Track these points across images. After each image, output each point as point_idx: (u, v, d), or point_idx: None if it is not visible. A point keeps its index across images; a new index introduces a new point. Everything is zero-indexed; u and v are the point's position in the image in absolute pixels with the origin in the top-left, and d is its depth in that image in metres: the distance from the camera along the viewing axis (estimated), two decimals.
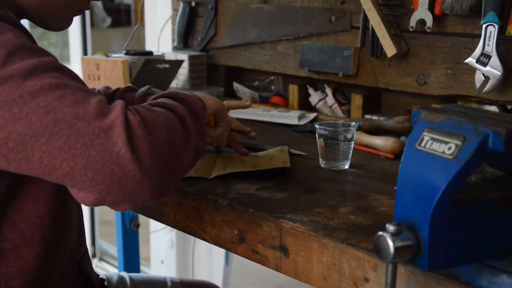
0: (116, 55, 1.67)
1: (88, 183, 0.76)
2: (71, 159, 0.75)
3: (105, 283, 1.18)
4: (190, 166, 0.87)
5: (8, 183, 0.87)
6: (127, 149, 0.76)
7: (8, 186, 0.87)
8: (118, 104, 0.81)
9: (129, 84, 1.24)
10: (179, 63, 1.71)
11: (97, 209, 2.97)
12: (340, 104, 1.60)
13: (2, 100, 0.75)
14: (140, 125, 0.79)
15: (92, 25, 3.18)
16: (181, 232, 1.21)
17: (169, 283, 1.31)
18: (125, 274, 1.31)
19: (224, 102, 1.23)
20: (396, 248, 0.65)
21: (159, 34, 2.09)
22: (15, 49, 0.78)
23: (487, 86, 1.22)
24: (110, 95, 1.19)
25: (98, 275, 1.17)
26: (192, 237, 2.32)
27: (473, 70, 1.24)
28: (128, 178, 0.76)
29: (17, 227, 0.89)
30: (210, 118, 1.09)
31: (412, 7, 1.34)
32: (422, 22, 1.33)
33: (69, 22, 1.00)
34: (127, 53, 1.67)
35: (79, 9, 0.99)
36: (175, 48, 1.90)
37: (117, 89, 1.20)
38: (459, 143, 0.65)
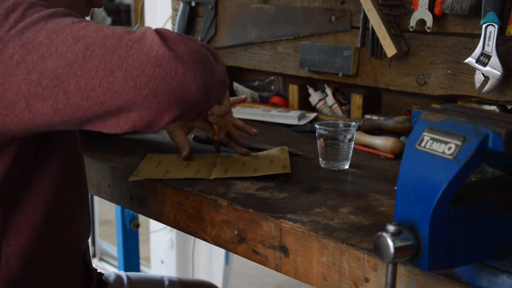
0: None
1: (132, 93, 0.75)
2: (109, 74, 0.75)
3: (103, 278, 1.19)
4: (221, 85, 0.87)
5: (23, 165, 0.87)
6: (164, 49, 0.76)
7: (23, 168, 0.87)
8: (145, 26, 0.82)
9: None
10: None
11: (97, 209, 2.97)
12: (340, 104, 1.60)
13: (28, 46, 0.76)
14: (173, 33, 0.79)
15: None
16: (181, 232, 1.21)
17: (166, 282, 1.31)
18: (122, 273, 1.31)
19: None
20: (396, 248, 0.65)
21: None
22: (32, 5, 0.80)
23: (487, 86, 1.22)
24: None
25: (96, 270, 1.17)
26: (192, 237, 2.32)
27: (473, 70, 1.24)
28: (172, 75, 0.76)
29: (22, 206, 0.89)
30: None
31: (412, 7, 1.34)
32: (422, 22, 1.33)
33: None
34: None
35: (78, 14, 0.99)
36: None
37: None
38: (459, 143, 0.65)
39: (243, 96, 1.29)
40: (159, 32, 0.79)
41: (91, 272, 1.08)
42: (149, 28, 0.79)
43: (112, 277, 1.28)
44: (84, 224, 1.04)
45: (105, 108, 0.77)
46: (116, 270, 1.94)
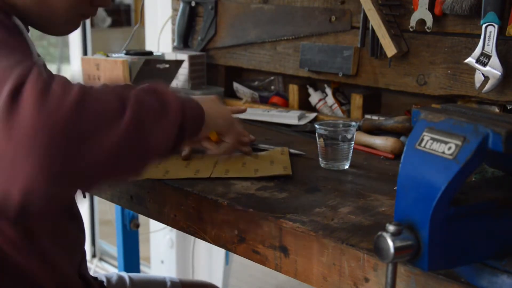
0: (116, 55, 1.67)
1: None
2: None
3: (104, 284, 1.18)
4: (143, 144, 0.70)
5: None
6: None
7: None
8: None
9: (129, 83, 1.23)
10: (179, 63, 1.71)
11: (97, 209, 2.97)
12: (340, 104, 1.60)
13: None
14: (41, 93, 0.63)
15: (92, 25, 3.17)
16: (181, 232, 1.21)
17: (168, 283, 1.31)
18: (124, 274, 1.31)
19: None
20: (396, 248, 0.65)
21: (159, 34, 2.09)
22: None
23: (487, 86, 1.22)
24: None
25: (96, 278, 1.17)
26: (192, 237, 2.32)
27: (473, 70, 1.24)
28: None
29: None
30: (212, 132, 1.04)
31: (412, 7, 1.34)
32: (422, 22, 1.33)
33: (71, 28, 0.97)
34: (127, 53, 1.67)
35: (82, 13, 0.96)
36: (175, 48, 1.90)
37: None
38: (459, 143, 0.65)
39: (242, 107, 1.26)
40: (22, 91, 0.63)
41: (90, 283, 1.07)
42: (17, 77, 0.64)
43: (114, 278, 1.28)
44: (77, 234, 1.03)
45: None
46: (116, 270, 1.94)
